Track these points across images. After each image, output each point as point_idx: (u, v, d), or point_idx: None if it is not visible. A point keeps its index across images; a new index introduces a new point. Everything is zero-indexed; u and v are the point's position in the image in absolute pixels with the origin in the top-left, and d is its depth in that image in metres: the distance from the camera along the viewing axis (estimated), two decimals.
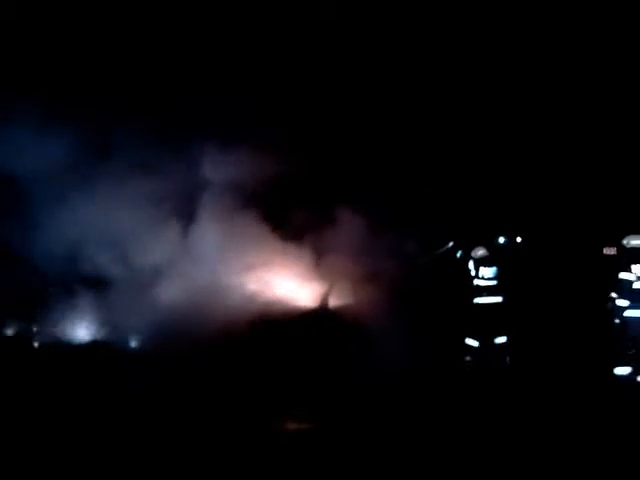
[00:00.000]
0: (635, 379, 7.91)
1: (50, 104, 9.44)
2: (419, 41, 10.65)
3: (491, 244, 9.31)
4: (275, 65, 10.65)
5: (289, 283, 11.20)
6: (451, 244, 9.92)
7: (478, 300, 9.03)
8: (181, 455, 6.02)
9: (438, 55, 10.67)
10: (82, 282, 10.20)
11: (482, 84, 10.71)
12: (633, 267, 8.14)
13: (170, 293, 10.48)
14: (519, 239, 9.89)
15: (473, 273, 9.11)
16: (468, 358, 8.96)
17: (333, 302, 10.98)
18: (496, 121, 10.70)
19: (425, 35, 10.60)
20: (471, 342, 8.95)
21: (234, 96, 10.23)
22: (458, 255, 9.48)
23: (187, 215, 10.72)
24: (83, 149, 9.84)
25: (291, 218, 10.83)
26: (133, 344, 10.39)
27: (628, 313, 8.11)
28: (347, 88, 10.72)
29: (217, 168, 10.73)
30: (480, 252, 9.16)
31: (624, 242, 8.28)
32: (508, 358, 8.85)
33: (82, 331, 10.32)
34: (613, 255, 8.86)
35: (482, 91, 10.70)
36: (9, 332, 9.82)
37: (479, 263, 9.10)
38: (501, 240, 9.81)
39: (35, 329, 10.07)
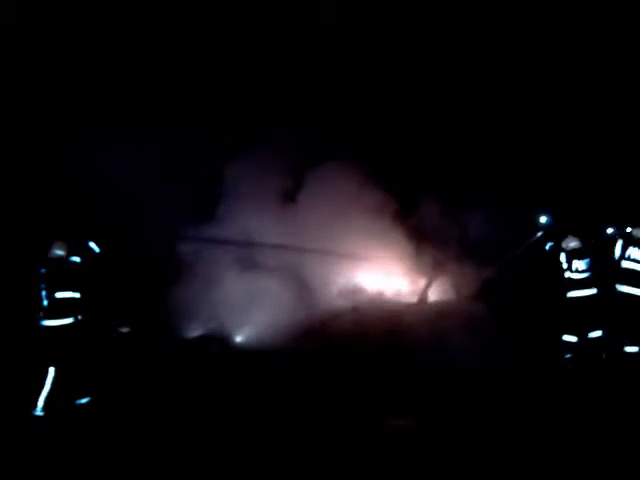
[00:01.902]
0: None
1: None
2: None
3: (583, 235, 8.81)
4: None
5: (389, 277, 11.33)
6: (540, 234, 9.53)
7: (572, 294, 8.58)
8: (288, 450, 6.36)
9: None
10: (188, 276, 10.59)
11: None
12: None
13: (275, 289, 10.88)
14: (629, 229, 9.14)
15: (565, 266, 8.66)
16: (568, 355, 8.52)
17: (432, 296, 11.03)
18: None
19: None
20: (569, 338, 8.53)
21: None
22: (548, 247, 9.08)
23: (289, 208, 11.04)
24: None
25: (391, 213, 10.94)
26: (239, 339, 10.72)
27: None
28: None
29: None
30: (572, 243, 8.70)
31: None
32: (604, 354, 8.42)
33: (191, 326, 10.77)
34: None
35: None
36: (123, 328, 10.16)
37: (571, 255, 8.65)
38: (609, 230, 9.28)
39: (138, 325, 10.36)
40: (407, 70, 10.84)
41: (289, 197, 11.15)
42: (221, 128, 10.67)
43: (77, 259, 7.85)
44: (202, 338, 10.65)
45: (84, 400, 7.63)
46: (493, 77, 10.79)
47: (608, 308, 8.46)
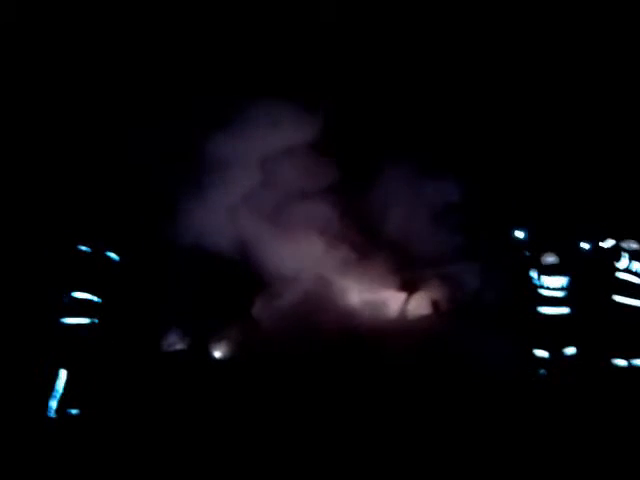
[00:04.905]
0: None
1: None
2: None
3: (561, 251, 8.83)
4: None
5: (369, 293, 11.44)
6: (520, 254, 9.70)
7: (542, 310, 8.64)
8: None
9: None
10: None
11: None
12: None
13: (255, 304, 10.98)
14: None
15: (537, 283, 8.72)
16: (542, 371, 8.60)
17: (410, 312, 11.11)
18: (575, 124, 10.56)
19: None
20: (541, 353, 8.61)
21: None
22: (525, 264, 9.24)
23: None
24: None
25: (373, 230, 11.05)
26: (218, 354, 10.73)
27: None
28: None
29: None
30: (548, 259, 8.70)
31: None
32: (577, 370, 8.48)
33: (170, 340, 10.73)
34: None
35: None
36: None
37: (544, 272, 8.68)
38: (585, 246, 9.23)
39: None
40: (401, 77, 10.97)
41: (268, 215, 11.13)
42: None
43: (99, 263, 7.96)
44: (181, 352, 10.57)
45: (74, 411, 7.55)
46: (464, 96, 11.01)
47: (591, 324, 8.60)
